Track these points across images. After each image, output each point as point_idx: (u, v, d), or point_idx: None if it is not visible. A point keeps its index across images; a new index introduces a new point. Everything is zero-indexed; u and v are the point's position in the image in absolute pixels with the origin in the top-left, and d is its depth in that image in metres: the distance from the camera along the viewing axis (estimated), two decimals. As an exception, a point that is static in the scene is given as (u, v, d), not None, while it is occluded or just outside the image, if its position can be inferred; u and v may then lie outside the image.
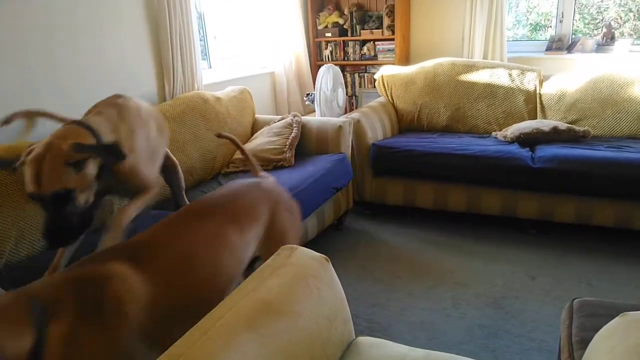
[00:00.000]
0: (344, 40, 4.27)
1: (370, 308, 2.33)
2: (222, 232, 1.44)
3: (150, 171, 1.79)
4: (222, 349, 0.98)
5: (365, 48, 4.22)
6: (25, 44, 2.22)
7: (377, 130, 3.36)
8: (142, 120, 1.80)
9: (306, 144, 3.06)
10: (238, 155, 2.95)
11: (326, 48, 4.35)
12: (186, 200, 2.31)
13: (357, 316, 2.25)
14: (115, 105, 1.74)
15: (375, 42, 4.16)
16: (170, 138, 2.63)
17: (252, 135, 3.18)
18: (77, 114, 2.47)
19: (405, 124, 3.73)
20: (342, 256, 2.83)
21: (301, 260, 1.33)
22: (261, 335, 1.05)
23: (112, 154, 1.51)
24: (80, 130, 1.53)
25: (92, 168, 1.49)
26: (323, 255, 1.39)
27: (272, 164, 2.84)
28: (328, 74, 3.51)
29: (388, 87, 3.76)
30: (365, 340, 1.34)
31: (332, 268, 1.38)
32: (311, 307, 1.20)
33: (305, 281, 1.26)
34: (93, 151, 1.49)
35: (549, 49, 3.81)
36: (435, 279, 2.55)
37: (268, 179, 1.86)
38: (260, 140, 2.99)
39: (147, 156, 1.77)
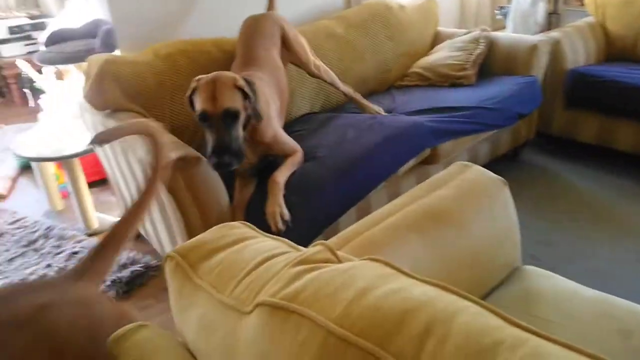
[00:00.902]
0: (555, -54, 3.66)
1: (538, 245, 2.18)
2: None
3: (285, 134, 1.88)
4: (389, 241, 1.01)
5: (580, -44, 3.58)
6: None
7: (578, 55, 2.92)
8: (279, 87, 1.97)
9: (492, 63, 2.81)
10: (414, 68, 2.85)
11: (531, -45, 3.79)
12: (369, 105, 2.38)
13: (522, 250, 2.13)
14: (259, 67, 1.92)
15: (596, -51, 3.48)
16: (350, 46, 2.66)
17: (431, 48, 3.03)
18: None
19: (615, 51, 3.16)
20: (514, 188, 2.61)
21: (476, 177, 1.28)
22: (427, 238, 1.06)
23: (256, 113, 1.62)
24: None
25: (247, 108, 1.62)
26: (500, 177, 1.31)
27: (450, 81, 2.69)
28: (530, -15, 3.09)
29: (600, 5, 3.18)
30: (532, 269, 1.26)
31: (509, 191, 1.30)
32: (481, 223, 1.16)
33: (478, 198, 1.21)
34: (252, 92, 1.60)
35: None
36: (620, 228, 2.25)
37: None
38: (440, 55, 2.83)
39: (279, 119, 1.91)
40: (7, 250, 2.33)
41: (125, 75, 1.97)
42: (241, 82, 1.57)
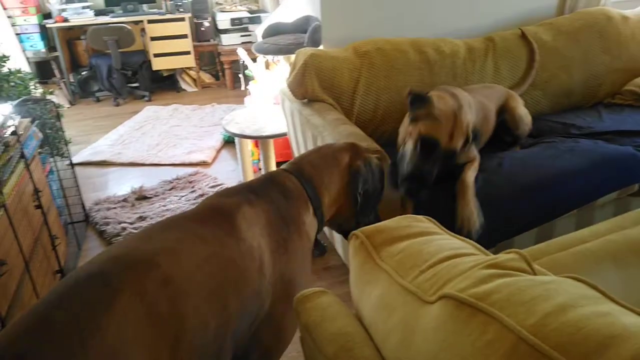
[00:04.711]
0: None
1: None
2: None
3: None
4: (579, 268, 0.93)
5: None
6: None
7: None
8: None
9: None
10: (630, 86, 2.50)
11: None
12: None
13: None
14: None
15: None
16: (557, 54, 2.45)
17: (658, 67, 2.62)
18: (471, 27, 2.55)
19: None
20: None
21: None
22: (629, 275, 0.94)
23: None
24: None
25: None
26: None
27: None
28: None
29: None
30: None
31: None
32: None
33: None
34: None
35: None
36: None
37: None
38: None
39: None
40: (205, 209, 2.72)
41: (325, 68, 2.12)
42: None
